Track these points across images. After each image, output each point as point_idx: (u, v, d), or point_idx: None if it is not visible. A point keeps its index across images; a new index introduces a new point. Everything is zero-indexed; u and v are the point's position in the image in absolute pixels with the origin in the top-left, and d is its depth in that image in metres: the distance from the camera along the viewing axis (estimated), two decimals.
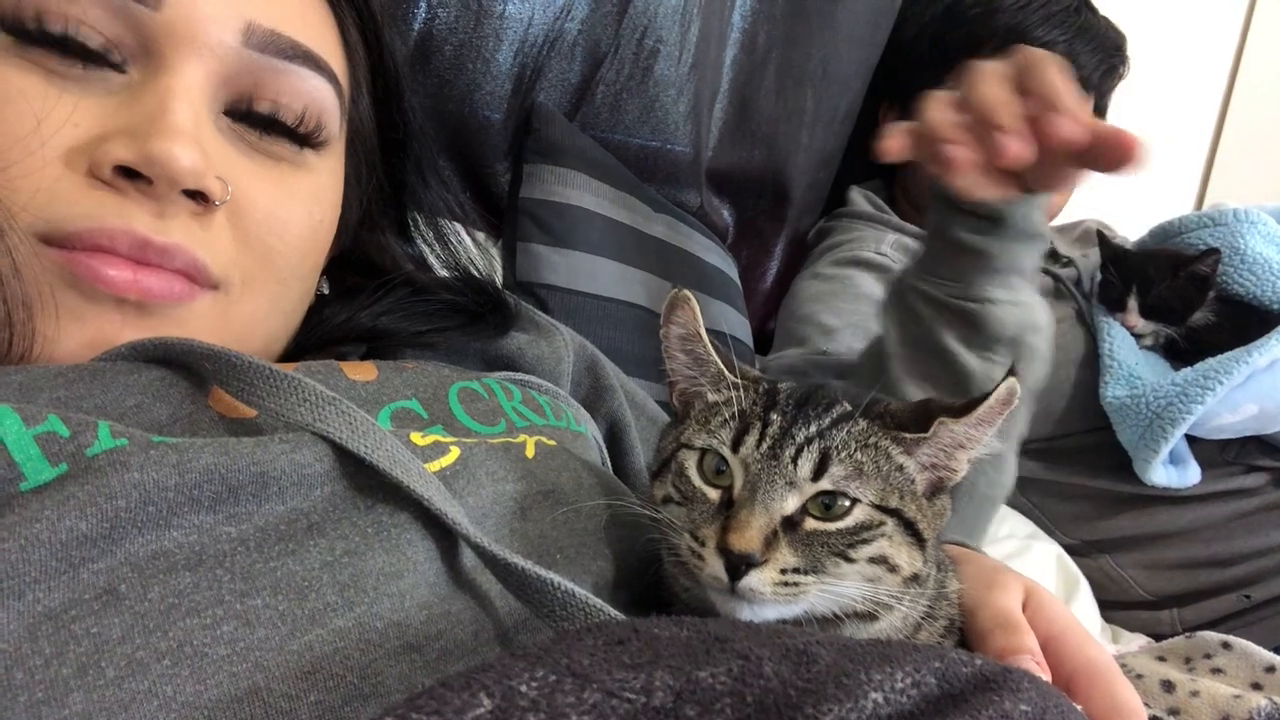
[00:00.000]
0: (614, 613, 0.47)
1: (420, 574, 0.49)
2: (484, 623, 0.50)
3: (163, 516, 0.43)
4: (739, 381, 0.56)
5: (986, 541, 1.33)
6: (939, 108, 0.78)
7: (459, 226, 0.91)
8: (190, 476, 0.44)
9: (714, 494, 0.53)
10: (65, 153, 0.54)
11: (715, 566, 0.50)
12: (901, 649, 0.39)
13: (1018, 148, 0.72)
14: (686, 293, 0.57)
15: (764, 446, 0.52)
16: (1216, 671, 0.78)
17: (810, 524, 0.51)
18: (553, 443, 0.64)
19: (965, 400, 0.53)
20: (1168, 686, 0.73)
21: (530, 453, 0.61)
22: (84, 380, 0.51)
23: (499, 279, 1.20)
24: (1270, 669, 0.77)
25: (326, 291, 0.79)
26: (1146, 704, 0.72)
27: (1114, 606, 1.47)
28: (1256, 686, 0.76)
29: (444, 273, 0.85)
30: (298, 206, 0.64)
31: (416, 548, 0.50)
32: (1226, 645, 0.80)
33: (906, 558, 0.52)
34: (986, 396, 0.52)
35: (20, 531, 0.39)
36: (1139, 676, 0.76)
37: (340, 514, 0.49)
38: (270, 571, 0.45)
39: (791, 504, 0.51)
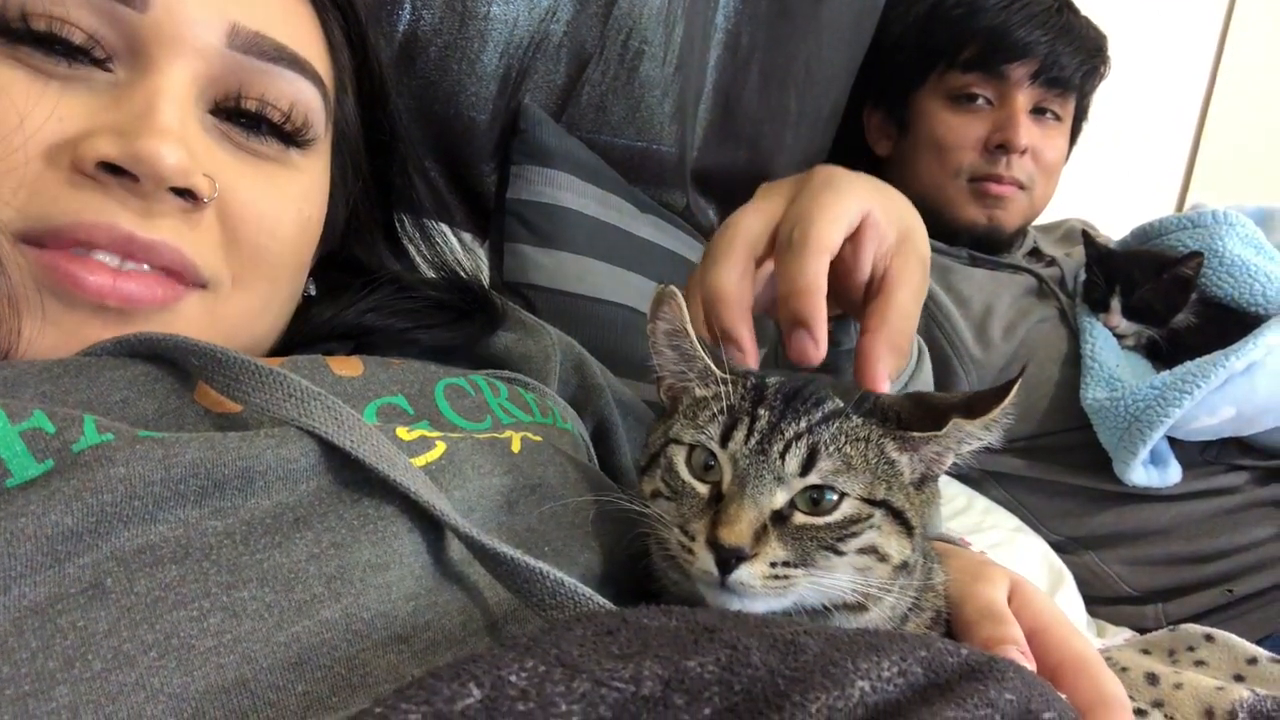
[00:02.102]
0: (603, 602, 0.47)
1: (407, 566, 0.49)
2: (472, 614, 0.50)
3: (148, 511, 0.43)
4: (727, 376, 0.56)
5: (972, 533, 1.34)
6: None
7: (445, 227, 0.91)
8: (176, 471, 0.44)
9: (703, 489, 0.53)
10: (48, 149, 0.54)
11: (705, 560, 0.50)
12: (888, 638, 0.40)
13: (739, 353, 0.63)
14: (673, 289, 0.57)
15: (752, 442, 0.52)
16: (1200, 664, 0.79)
17: (799, 518, 0.51)
18: (539, 438, 0.64)
19: (970, 397, 0.53)
20: (1152, 679, 0.74)
21: (516, 448, 0.61)
22: (70, 375, 0.51)
23: (486, 280, 1.20)
24: (1252, 661, 0.78)
25: (314, 293, 0.79)
26: (1131, 696, 0.73)
27: (1099, 602, 1.48)
28: (1239, 678, 0.77)
29: (431, 274, 0.85)
30: (287, 204, 0.64)
31: (403, 540, 0.50)
32: (1209, 638, 0.81)
33: (896, 546, 0.53)
34: (1001, 398, 0.52)
35: (5, 526, 0.39)
36: (1124, 670, 0.76)
37: (326, 507, 0.49)
38: (257, 564, 0.45)
39: (780, 498, 0.51)
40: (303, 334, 0.72)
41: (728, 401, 0.54)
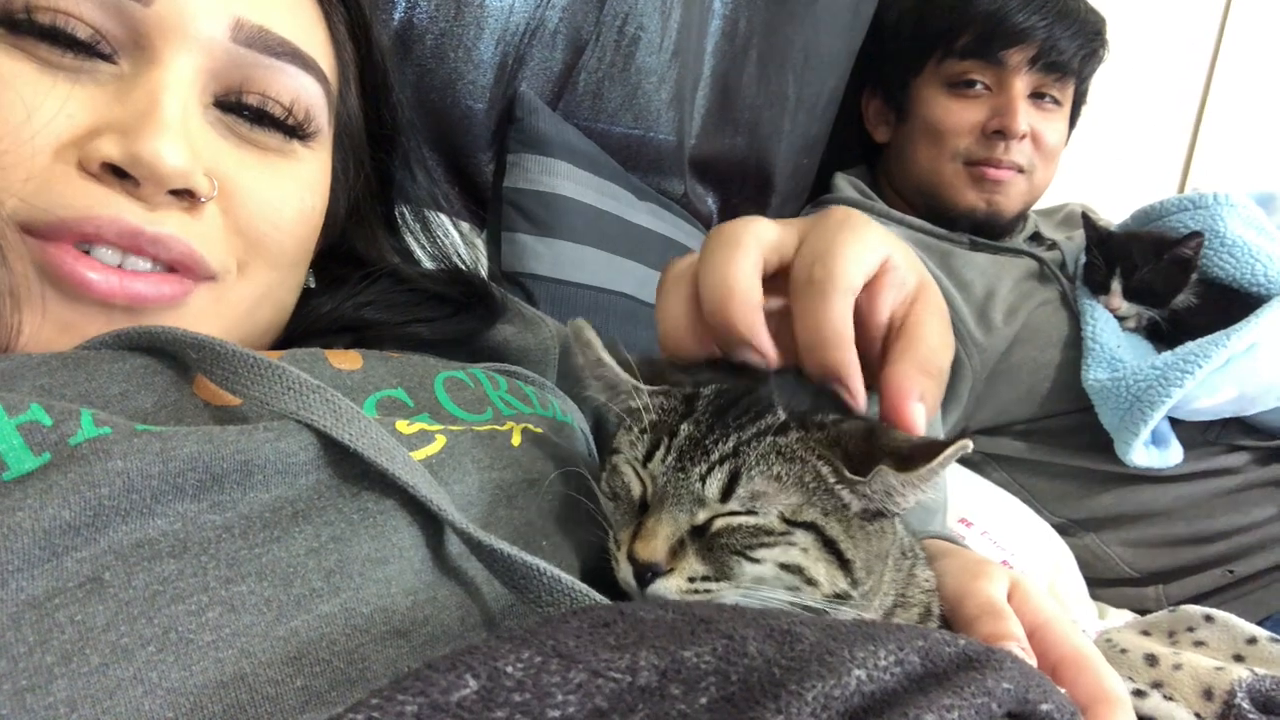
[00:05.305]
0: (599, 598, 0.47)
1: (406, 560, 0.49)
2: (470, 609, 0.50)
3: (146, 505, 0.43)
4: (647, 389, 0.54)
5: (975, 515, 1.34)
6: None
7: (445, 218, 0.91)
8: (174, 464, 0.44)
9: (637, 490, 0.53)
10: (56, 143, 0.54)
11: (625, 571, 0.51)
12: (885, 629, 0.40)
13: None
14: (580, 322, 0.56)
15: (670, 459, 0.51)
16: (1199, 644, 0.79)
17: (717, 522, 0.50)
18: (539, 430, 0.64)
19: (914, 447, 0.49)
20: (1151, 660, 0.74)
21: (516, 441, 0.61)
22: (67, 368, 0.51)
23: (484, 271, 1.20)
24: (1251, 641, 0.78)
25: (313, 285, 0.79)
26: (1130, 678, 0.73)
27: (1100, 584, 1.49)
28: (1238, 658, 0.77)
29: (431, 265, 0.85)
30: (290, 193, 0.65)
31: (402, 534, 0.50)
32: (1209, 618, 0.81)
33: (825, 574, 0.50)
34: (935, 455, 0.48)
35: (2, 520, 0.39)
36: (1123, 651, 0.76)
37: (325, 501, 0.49)
38: (255, 558, 0.45)
39: (701, 517, 0.50)
40: (301, 327, 0.72)
41: (649, 417, 0.53)
